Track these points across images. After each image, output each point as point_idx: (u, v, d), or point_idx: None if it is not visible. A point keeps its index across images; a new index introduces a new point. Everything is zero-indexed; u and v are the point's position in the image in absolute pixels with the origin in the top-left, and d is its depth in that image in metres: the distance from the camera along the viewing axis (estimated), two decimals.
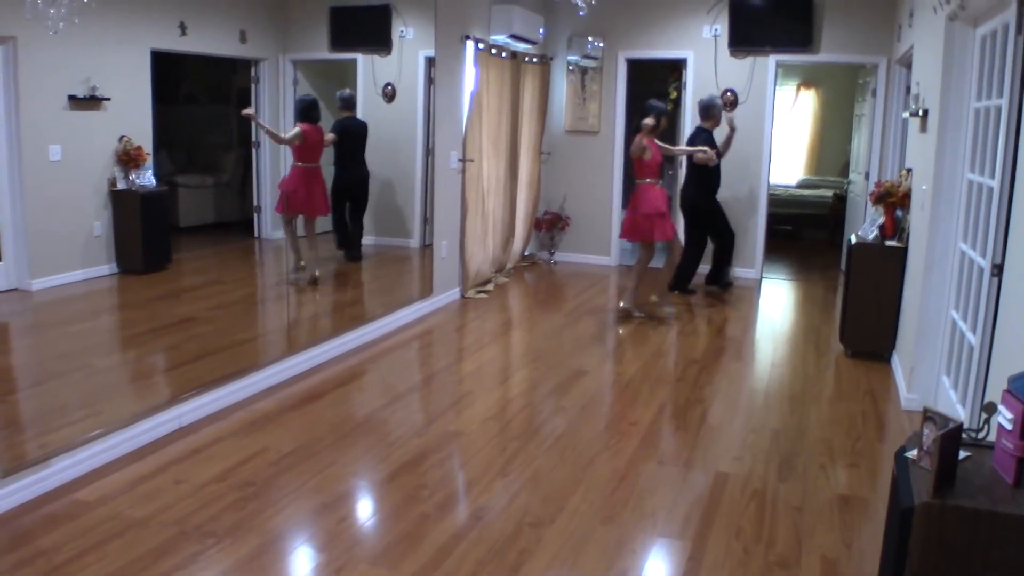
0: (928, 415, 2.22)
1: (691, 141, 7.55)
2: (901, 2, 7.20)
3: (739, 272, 8.45)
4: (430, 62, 6.84)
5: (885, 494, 3.07)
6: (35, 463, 3.51)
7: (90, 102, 4.33)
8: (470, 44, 7.14)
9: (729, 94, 8.39)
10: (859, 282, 5.68)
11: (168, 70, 5.06)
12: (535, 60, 8.56)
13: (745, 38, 8.27)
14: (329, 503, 3.52)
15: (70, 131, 4.29)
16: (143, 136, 4.66)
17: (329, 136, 6.24)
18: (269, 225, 5.95)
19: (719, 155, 7.44)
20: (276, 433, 4.24)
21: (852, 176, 9.46)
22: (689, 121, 8.50)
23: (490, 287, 7.76)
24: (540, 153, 8.94)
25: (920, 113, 5.21)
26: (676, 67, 9.90)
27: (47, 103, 4.14)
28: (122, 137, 4.56)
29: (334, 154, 6.38)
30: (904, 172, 5.92)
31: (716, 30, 8.38)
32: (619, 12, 8.65)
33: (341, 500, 3.57)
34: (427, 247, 7.09)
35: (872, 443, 4.35)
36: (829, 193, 11.21)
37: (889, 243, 5.62)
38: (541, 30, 8.44)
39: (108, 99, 4.40)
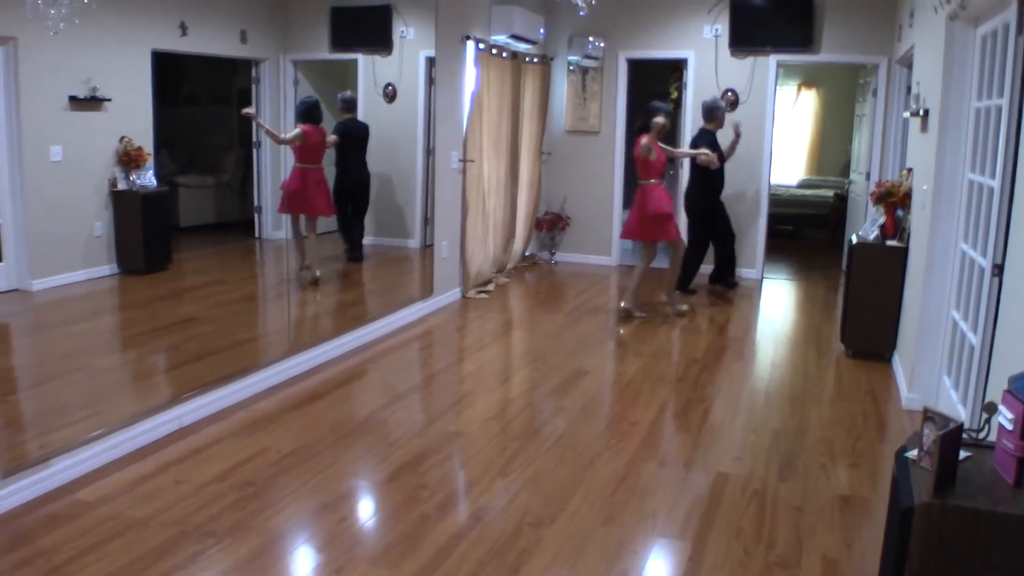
0: (928, 415, 2.22)
1: (694, 143, 7.55)
2: (901, 2, 7.19)
3: (740, 272, 8.44)
4: (431, 62, 6.84)
5: (886, 494, 3.06)
6: (35, 463, 3.51)
7: (91, 102, 4.33)
8: (470, 44, 7.14)
9: (730, 94, 8.40)
10: (860, 282, 5.68)
11: (169, 70, 5.06)
12: (536, 60, 8.56)
13: (746, 38, 8.27)
14: (329, 503, 3.52)
15: (71, 131, 4.29)
16: (144, 136, 4.66)
17: (331, 138, 6.25)
18: (270, 225, 5.95)
19: (722, 158, 7.44)
20: (276, 433, 4.25)
21: (853, 176, 9.45)
22: (690, 121, 8.50)
23: (491, 287, 7.76)
24: (541, 153, 8.94)
25: (921, 113, 5.20)
26: (677, 67, 9.91)
27: (48, 103, 4.13)
28: (123, 137, 4.56)
29: (336, 155, 6.39)
30: (905, 172, 5.92)
31: (717, 30, 8.38)
32: (620, 12, 8.65)
33: (341, 500, 3.57)
34: (428, 247, 7.09)
35: (873, 443, 4.35)
36: (830, 193, 11.20)
37: (890, 243, 5.62)
38: (541, 30, 8.44)
39: (109, 99, 4.40)
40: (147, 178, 4.68)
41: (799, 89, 12.28)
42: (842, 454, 4.18)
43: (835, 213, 10.64)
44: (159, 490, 3.57)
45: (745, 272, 8.54)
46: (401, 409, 4.68)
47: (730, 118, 7.86)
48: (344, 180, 6.50)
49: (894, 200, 5.68)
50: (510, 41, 7.89)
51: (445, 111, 6.96)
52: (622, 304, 6.87)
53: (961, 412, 3.96)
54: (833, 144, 12.15)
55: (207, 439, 4.14)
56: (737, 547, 3.24)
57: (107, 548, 3.08)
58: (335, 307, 6.74)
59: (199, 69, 5.62)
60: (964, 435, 2.23)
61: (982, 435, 2.31)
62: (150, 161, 4.67)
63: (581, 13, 6.78)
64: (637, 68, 9.09)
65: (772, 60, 8.29)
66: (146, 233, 4.88)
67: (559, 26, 8.93)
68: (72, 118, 4.27)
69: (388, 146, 6.95)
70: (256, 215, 5.89)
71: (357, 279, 7.32)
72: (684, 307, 7.11)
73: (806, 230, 11.32)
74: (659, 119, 6.36)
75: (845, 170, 11.16)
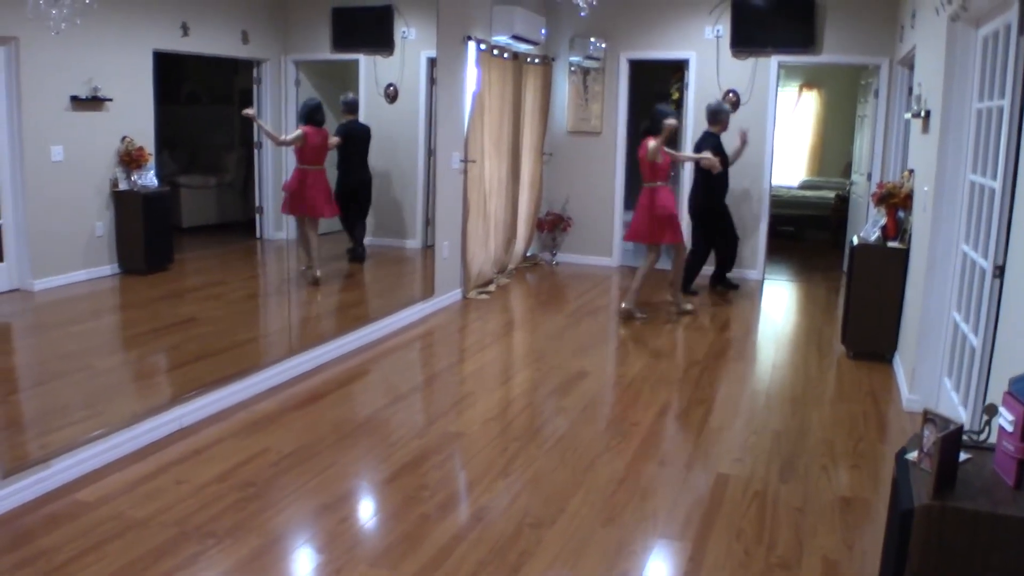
0: (928, 417, 2.21)
1: (698, 146, 7.55)
2: (903, 3, 7.19)
3: (741, 273, 8.44)
4: (432, 63, 6.84)
5: (886, 496, 3.06)
6: (36, 463, 3.51)
7: (92, 103, 4.33)
8: (472, 45, 7.14)
9: (731, 95, 8.39)
10: (861, 283, 5.67)
11: (170, 71, 5.06)
12: (537, 61, 8.56)
13: (747, 39, 8.26)
14: (330, 504, 3.52)
15: (72, 132, 4.29)
16: (145, 137, 4.66)
17: (333, 139, 6.25)
18: (271, 226, 5.95)
19: (725, 162, 7.44)
20: (277, 434, 4.25)
21: (854, 177, 9.44)
22: (691, 123, 8.50)
23: (492, 288, 7.76)
24: (542, 154, 8.94)
25: (922, 114, 5.20)
26: (678, 68, 9.90)
27: (49, 104, 4.14)
28: (124, 137, 4.56)
29: (338, 157, 6.40)
30: (906, 173, 5.91)
31: (718, 31, 8.38)
32: (621, 13, 8.64)
33: (342, 501, 3.57)
34: (429, 248, 7.09)
35: (874, 444, 4.35)
36: (831, 194, 11.19)
37: (891, 244, 5.62)
38: (543, 31, 8.44)
39: (110, 100, 4.40)
40: (148, 178, 4.69)
41: (800, 90, 12.28)
42: (843, 455, 4.18)
43: (836, 214, 10.63)
44: (159, 490, 3.57)
45: (746, 273, 8.54)
46: (402, 409, 4.68)
47: (735, 121, 7.86)
48: (346, 181, 6.51)
49: (895, 201, 5.68)
50: (511, 42, 7.89)
51: (446, 111, 6.96)
52: (623, 305, 6.88)
53: (962, 414, 3.96)
54: (834, 145, 12.14)
55: (207, 439, 4.14)
56: (738, 548, 3.24)
57: (107, 548, 3.09)
58: (336, 307, 6.74)
59: (200, 69, 5.62)
60: (964, 437, 2.23)
61: (982, 437, 2.31)
62: (151, 161, 4.67)
63: (582, 14, 6.78)
64: (638, 69, 9.09)
65: (773, 61, 8.29)
66: (147, 233, 4.88)
67: (560, 27, 8.93)
68: (73, 118, 4.28)
69: (389, 146, 6.95)
70: (257, 215, 5.89)
71: (358, 279, 7.32)
72: (690, 307, 7.12)
73: (807, 231, 11.31)
74: (670, 120, 6.39)
75: (846, 171, 11.15)
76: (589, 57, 8.85)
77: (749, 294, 8.00)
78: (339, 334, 5.72)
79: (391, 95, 6.85)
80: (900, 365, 5.40)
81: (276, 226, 5.98)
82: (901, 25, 7.31)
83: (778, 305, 7.85)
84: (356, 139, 6.58)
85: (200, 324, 5.54)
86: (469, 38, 7.12)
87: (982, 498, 2.04)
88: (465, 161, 7.27)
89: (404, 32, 6.85)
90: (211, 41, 5.16)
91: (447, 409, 4.72)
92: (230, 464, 3.86)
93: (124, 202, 4.62)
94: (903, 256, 5.51)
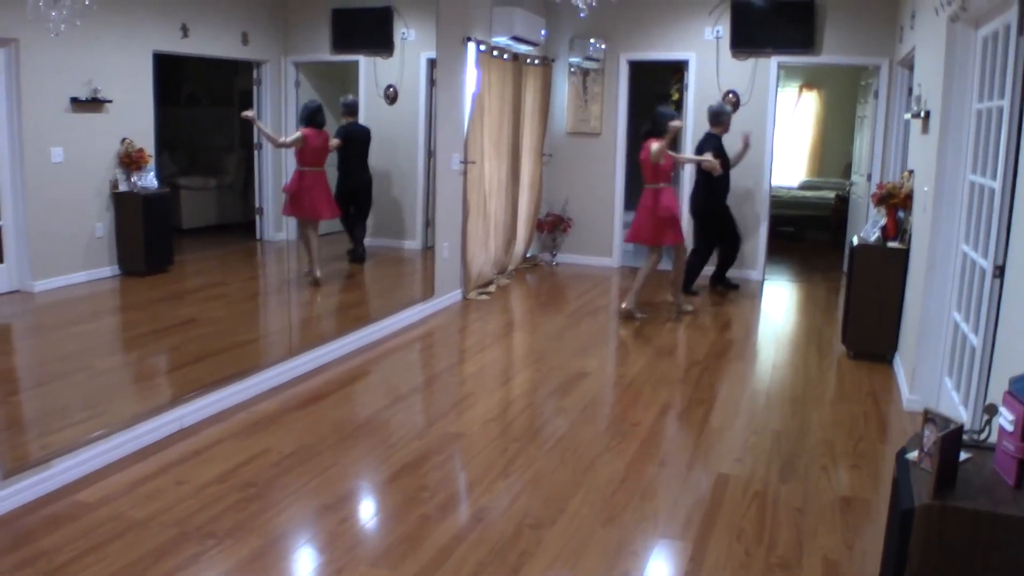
0: (929, 416, 2.21)
1: (700, 147, 7.56)
2: (903, 3, 7.19)
3: (742, 274, 8.44)
4: (432, 64, 6.84)
5: (887, 495, 3.06)
6: (36, 464, 3.51)
7: (92, 104, 4.33)
8: (471, 46, 7.15)
9: (731, 96, 8.40)
10: (861, 283, 5.67)
11: (170, 72, 5.06)
12: (537, 62, 8.57)
13: (747, 39, 8.26)
14: (330, 504, 3.52)
15: (72, 133, 4.29)
16: (145, 138, 4.66)
17: (334, 141, 6.26)
18: (271, 227, 5.95)
19: (726, 165, 7.45)
20: (277, 434, 4.25)
21: (854, 178, 9.45)
22: (691, 124, 8.50)
23: (492, 289, 7.76)
24: (542, 155, 8.94)
25: (922, 114, 5.20)
26: (678, 69, 9.90)
27: (49, 105, 4.14)
28: (124, 139, 4.56)
29: (338, 159, 6.41)
30: (906, 173, 5.91)
31: (718, 31, 8.38)
32: (621, 14, 8.64)
33: (342, 501, 3.57)
34: (429, 249, 7.09)
35: (874, 444, 4.35)
36: (831, 195, 11.19)
37: (891, 244, 5.62)
38: (543, 32, 8.45)
39: (110, 101, 4.40)
40: (148, 179, 4.69)
41: (800, 91, 12.28)
42: (843, 455, 4.18)
43: (836, 215, 10.63)
44: (160, 491, 3.57)
45: (746, 273, 8.54)
46: (402, 410, 4.68)
47: (735, 122, 7.86)
48: (346, 183, 6.52)
49: (895, 202, 5.68)
50: (511, 43, 7.89)
51: (446, 113, 6.96)
52: (623, 305, 6.88)
53: (962, 413, 3.96)
54: (834, 146, 12.14)
55: (208, 440, 4.14)
56: (738, 548, 3.24)
57: (108, 549, 3.09)
58: (336, 308, 6.74)
59: (200, 71, 5.62)
60: (964, 436, 2.23)
61: (983, 437, 2.31)
62: (151, 163, 4.67)
63: (582, 15, 6.78)
64: (638, 70, 9.10)
65: (773, 62, 8.29)
66: (147, 235, 4.88)
67: (560, 28, 8.93)
68: (73, 119, 4.28)
69: (389, 148, 6.95)
70: (257, 217, 5.89)
71: (358, 280, 7.32)
72: (690, 307, 7.12)
73: (807, 232, 11.31)
74: (676, 122, 6.42)
75: (846, 172, 11.16)
76: (589, 58, 8.85)
77: (749, 294, 8.00)
78: (339, 335, 5.72)
79: (391, 96, 6.85)
80: (900, 365, 5.40)
81: (276, 227, 5.98)
82: (901, 26, 7.31)
83: (778, 305, 7.85)
84: (356, 141, 6.59)
85: (200, 325, 5.55)
86: (469, 39, 7.13)
87: (982, 498, 2.04)
88: (465, 162, 7.27)
89: (404, 33, 6.85)
90: (211, 42, 5.16)
91: (447, 410, 4.72)
92: (230, 465, 3.86)
93: (124, 203, 4.62)
94: (903, 256, 5.51)
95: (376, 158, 6.75)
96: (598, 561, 3.12)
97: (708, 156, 7.21)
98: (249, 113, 5.57)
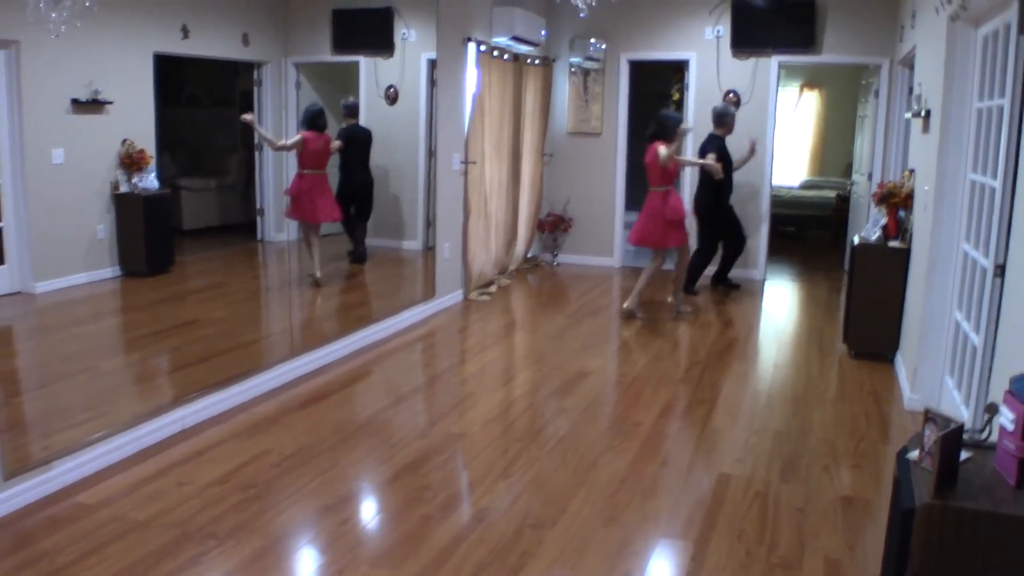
0: (929, 416, 2.21)
1: (703, 148, 7.56)
2: (903, 3, 7.19)
3: (743, 273, 8.43)
4: (432, 64, 6.84)
5: (888, 495, 3.06)
6: (38, 465, 3.52)
7: (93, 105, 4.34)
8: (472, 46, 7.15)
9: (732, 95, 8.39)
10: (862, 283, 5.67)
11: (171, 73, 5.07)
12: (537, 62, 8.57)
13: (747, 39, 8.26)
14: (331, 505, 3.52)
15: (73, 134, 4.30)
16: (146, 139, 4.67)
17: (335, 144, 6.27)
18: (272, 227, 5.96)
19: (727, 168, 7.45)
20: (279, 435, 4.25)
21: (855, 177, 9.44)
22: (692, 123, 8.48)
23: (493, 289, 7.76)
24: (542, 155, 8.94)
25: (922, 114, 5.20)
26: (678, 68, 9.90)
27: (50, 106, 4.14)
28: (125, 140, 4.57)
29: (340, 160, 6.42)
30: (907, 173, 5.91)
31: (718, 31, 8.38)
32: (621, 14, 8.64)
33: (343, 502, 3.57)
34: (430, 249, 7.09)
35: (875, 444, 4.35)
36: (832, 194, 11.18)
37: (892, 244, 5.61)
38: (543, 32, 8.45)
39: (111, 102, 4.41)
40: (149, 180, 4.69)
41: (801, 90, 12.27)
42: (844, 455, 4.18)
43: (837, 214, 10.62)
44: (161, 492, 3.57)
45: (748, 273, 8.53)
46: (403, 411, 4.68)
47: (738, 124, 7.87)
48: (348, 184, 6.53)
49: (896, 201, 5.68)
50: (511, 43, 7.89)
51: (447, 113, 6.96)
52: (625, 305, 6.88)
53: (964, 413, 3.96)
54: (835, 145, 12.14)
55: (209, 441, 4.14)
56: (739, 548, 3.24)
57: (109, 550, 3.09)
58: (337, 309, 6.75)
59: (201, 72, 5.63)
60: (965, 436, 2.23)
61: (984, 436, 2.31)
62: (152, 163, 4.68)
63: (582, 15, 6.78)
64: (639, 69, 9.09)
65: (774, 61, 8.29)
66: (148, 236, 4.89)
67: (560, 28, 8.93)
68: (74, 121, 4.28)
69: (390, 148, 6.96)
70: (259, 217, 5.90)
71: (359, 281, 7.33)
72: (688, 309, 7.12)
73: (809, 231, 11.30)
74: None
75: (847, 171, 11.14)
76: (589, 58, 8.85)
77: (750, 294, 8.00)
78: (340, 335, 5.72)
79: (391, 97, 6.85)
80: (902, 364, 5.40)
81: (277, 228, 5.99)
82: (901, 25, 7.31)
83: (779, 305, 7.85)
84: (358, 143, 6.59)
85: (202, 326, 5.55)
86: (469, 39, 7.13)
87: (983, 497, 2.03)
88: (465, 162, 7.27)
89: (404, 34, 6.86)
90: (211, 43, 5.17)
91: (448, 410, 4.72)
92: (232, 465, 3.86)
93: (125, 204, 4.62)
94: (904, 256, 5.50)
95: (377, 159, 6.75)
96: (599, 561, 3.12)
97: (711, 157, 7.22)
98: (248, 117, 5.58)
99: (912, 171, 5.76)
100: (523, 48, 8.20)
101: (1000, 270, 3.51)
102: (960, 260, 4.45)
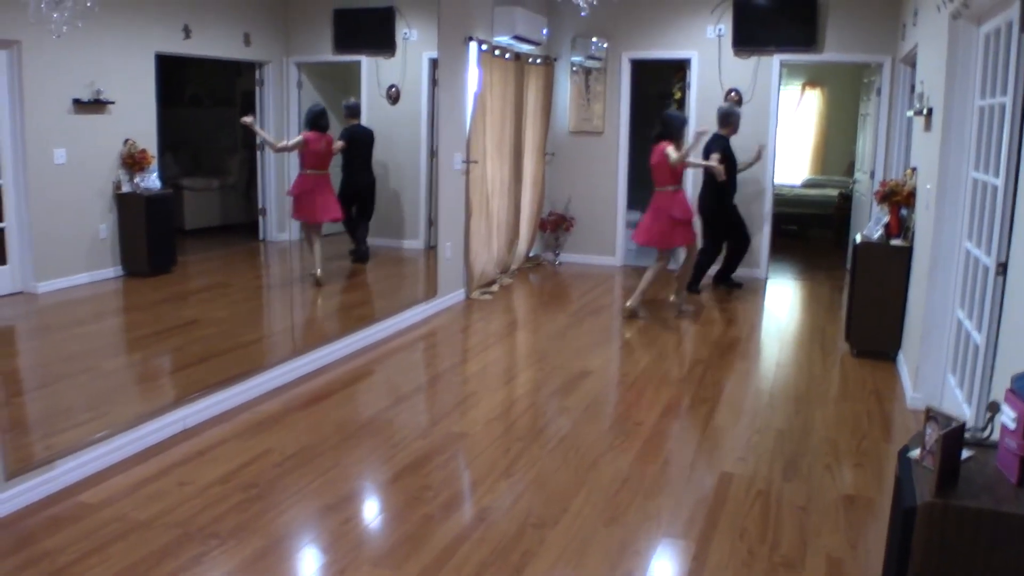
0: (931, 415, 2.21)
1: (707, 147, 7.56)
2: (905, 1, 7.18)
3: (745, 272, 8.42)
4: (434, 64, 6.84)
5: (890, 494, 3.06)
6: (40, 465, 3.52)
7: (95, 105, 4.34)
8: (473, 45, 7.15)
9: (733, 94, 8.39)
10: (864, 281, 5.66)
11: (172, 73, 5.07)
12: (539, 61, 8.56)
13: (749, 38, 8.26)
14: (333, 504, 3.52)
15: (75, 134, 4.30)
16: (148, 139, 4.67)
17: (338, 144, 6.28)
18: (274, 227, 5.96)
19: (730, 169, 7.44)
20: (280, 435, 4.25)
21: (857, 175, 9.43)
22: (693, 122, 8.47)
23: (495, 288, 7.76)
24: (544, 154, 8.94)
25: (924, 112, 5.19)
26: (680, 67, 9.89)
27: (51, 107, 4.15)
28: (127, 140, 4.57)
29: (342, 160, 6.42)
30: (909, 171, 5.90)
31: (720, 30, 8.37)
32: (623, 12, 8.64)
33: (345, 501, 3.57)
34: (432, 248, 7.09)
35: (878, 443, 4.34)
36: (834, 193, 11.17)
37: (894, 242, 5.61)
38: (544, 31, 8.44)
39: (112, 102, 4.41)
40: (151, 180, 4.70)
41: (803, 88, 12.26)
42: (847, 454, 4.17)
43: (840, 213, 10.62)
44: (163, 492, 3.58)
45: (750, 272, 8.52)
46: (405, 410, 4.68)
47: (744, 127, 7.90)
48: (350, 184, 6.53)
49: (898, 199, 5.67)
50: (513, 42, 7.89)
51: (448, 112, 6.96)
52: (627, 304, 6.87)
53: (966, 411, 3.95)
54: (837, 143, 12.12)
55: (211, 441, 4.14)
56: (741, 547, 3.23)
57: (111, 550, 3.09)
58: (339, 308, 6.75)
59: (203, 72, 5.63)
60: (967, 434, 2.23)
61: (985, 434, 2.30)
62: (154, 163, 4.68)
63: (583, 14, 6.79)
64: (640, 68, 9.09)
65: (776, 60, 8.28)
66: (150, 235, 4.89)
67: (562, 27, 8.93)
68: (76, 121, 4.29)
69: (392, 147, 6.96)
70: (261, 217, 5.90)
71: (361, 280, 7.33)
72: (690, 307, 7.12)
73: (811, 230, 11.30)
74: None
75: (850, 169, 11.14)
76: (591, 57, 8.85)
77: (753, 293, 7.99)
78: (342, 335, 5.73)
79: (393, 96, 6.85)
80: (904, 363, 5.39)
81: (279, 228, 5.99)
82: (903, 23, 7.30)
83: (782, 304, 7.84)
84: (360, 143, 6.60)
85: (204, 326, 5.56)
86: (470, 39, 7.12)
87: (985, 496, 2.03)
88: (467, 162, 7.27)
89: (406, 33, 6.86)
90: (213, 43, 5.17)
91: (450, 409, 4.72)
92: (233, 465, 3.86)
93: (127, 204, 4.63)
94: (906, 254, 5.50)
95: (379, 158, 6.76)
96: (601, 560, 3.12)
97: (715, 158, 7.21)
98: (248, 119, 5.58)
99: (914, 169, 5.75)
100: (524, 47, 8.20)
101: (1002, 268, 3.51)
102: (962, 258, 4.45)
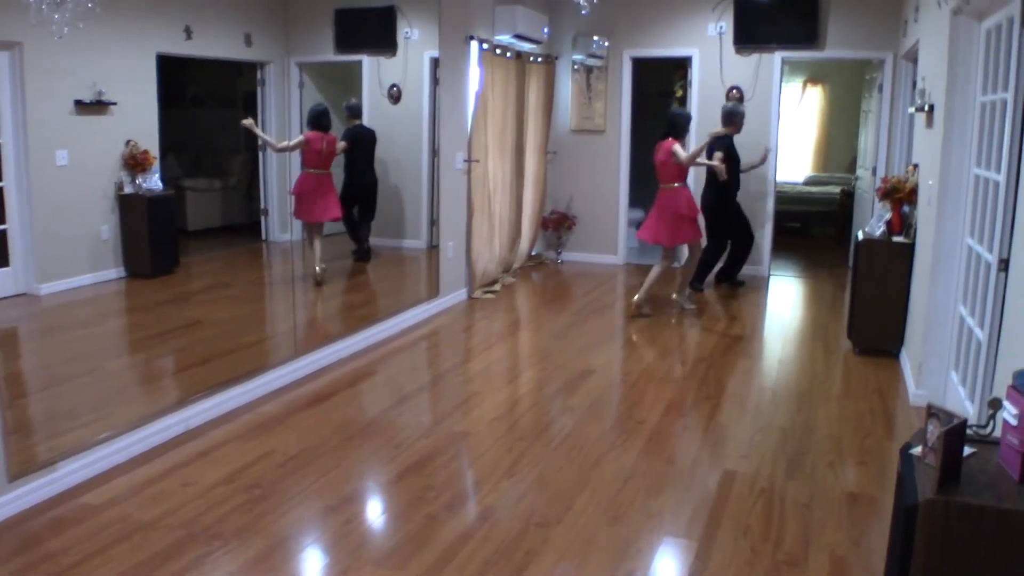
0: (932, 411, 2.20)
1: (711, 146, 7.55)
2: None
3: (747, 270, 8.41)
4: (435, 63, 6.85)
5: (893, 491, 3.05)
6: (43, 467, 3.52)
7: (96, 107, 4.35)
8: (474, 44, 7.15)
9: (735, 91, 8.38)
10: (866, 279, 5.66)
11: (174, 74, 5.08)
12: (540, 60, 8.56)
13: (750, 35, 8.24)
14: (335, 505, 3.52)
15: (77, 136, 4.31)
16: (150, 140, 4.68)
17: (341, 144, 6.29)
18: (276, 228, 5.97)
19: (731, 169, 7.44)
20: (283, 435, 4.25)
21: (859, 172, 9.42)
22: (695, 121, 8.46)
23: (497, 287, 7.76)
24: (546, 153, 8.93)
25: (926, 108, 5.18)
26: (681, 65, 9.88)
27: (53, 108, 4.16)
28: (129, 141, 4.58)
29: (344, 161, 6.43)
30: (911, 167, 5.89)
31: (721, 27, 8.36)
32: (624, 11, 8.63)
33: (347, 502, 3.57)
34: (434, 248, 7.09)
35: (881, 440, 4.34)
36: (837, 190, 11.16)
37: (896, 239, 5.60)
38: (545, 29, 8.44)
39: (114, 103, 4.41)
40: (153, 181, 4.70)
41: (805, 86, 12.24)
42: (850, 451, 4.17)
43: (842, 210, 10.60)
44: (166, 493, 3.58)
45: (752, 269, 8.52)
46: (408, 410, 4.68)
47: (763, 148, 7.95)
48: (352, 184, 6.55)
49: (900, 196, 5.66)
50: (514, 41, 7.88)
51: (449, 111, 6.96)
52: (635, 298, 6.86)
53: (969, 408, 3.94)
54: (839, 141, 12.11)
55: (214, 441, 4.15)
56: (744, 545, 3.23)
57: (114, 551, 3.10)
58: (341, 308, 6.75)
59: (204, 72, 5.64)
60: (969, 431, 2.22)
61: (987, 431, 2.30)
62: (156, 164, 4.69)
63: (584, 12, 6.78)
64: (641, 66, 9.08)
65: (777, 57, 8.27)
66: (153, 237, 4.90)
67: (563, 25, 8.92)
68: (78, 122, 4.29)
69: (393, 147, 6.96)
70: (263, 217, 5.91)
71: (363, 280, 7.34)
72: (692, 305, 7.11)
73: (813, 227, 11.28)
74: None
75: (851, 166, 11.12)
76: (592, 55, 8.84)
77: (755, 290, 7.98)
78: (344, 335, 5.73)
79: (395, 96, 6.86)
80: (907, 360, 5.38)
81: (281, 228, 5.99)
82: (904, 19, 7.28)
83: (784, 301, 7.84)
84: (362, 143, 6.61)
85: (206, 327, 5.56)
86: (471, 38, 7.12)
87: (987, 493, 2.03)
88: (469, 161, 7.27)
89: (407, 33, 6.86)
90: (214, 44, 5.18)
91: (453, 409, 4.72)
92: (236, 466, 3.86)
93: (129, 206, 4.64)
94: (908, 251, 5.49)
95: (380, 157, 6.76)
96: (604, 559, 3.12)
97: (718, 157, 7.21)
98: (247, 121, 5.58)
99: (916, 166, 5.74)
100: (526, 46, 8.19)
101: (1004, 264, 3.50)
102: (964, 255, 4.44)
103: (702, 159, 7.12)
